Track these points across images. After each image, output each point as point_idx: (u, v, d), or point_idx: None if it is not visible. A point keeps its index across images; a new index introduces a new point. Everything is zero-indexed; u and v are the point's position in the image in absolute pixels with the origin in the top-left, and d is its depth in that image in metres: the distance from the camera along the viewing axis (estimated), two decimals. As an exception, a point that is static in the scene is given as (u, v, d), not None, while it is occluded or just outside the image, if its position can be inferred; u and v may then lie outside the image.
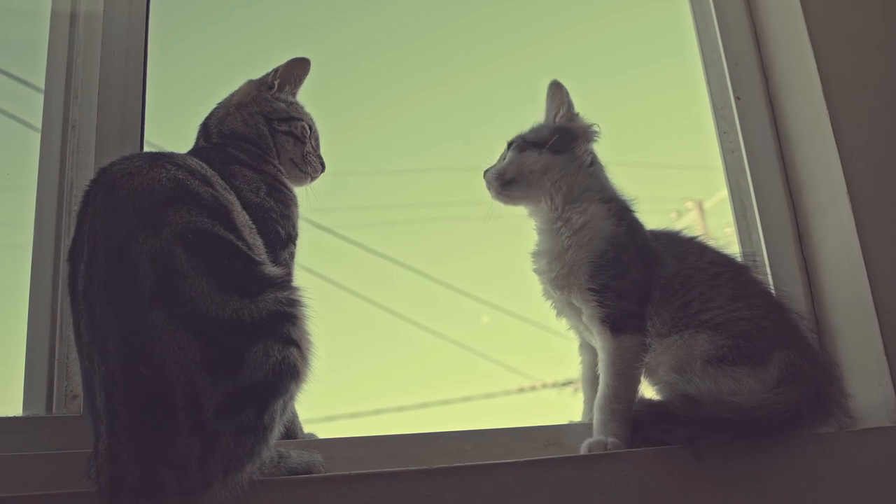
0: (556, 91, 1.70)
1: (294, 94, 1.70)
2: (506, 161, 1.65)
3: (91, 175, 1.51)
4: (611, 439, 1.43)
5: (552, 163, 1.60)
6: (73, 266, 1.26)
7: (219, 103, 1.66)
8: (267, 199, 1.48)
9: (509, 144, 1.69)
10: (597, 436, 1.46)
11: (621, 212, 1.62)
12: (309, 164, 1.66)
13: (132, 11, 1.69)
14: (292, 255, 1.51)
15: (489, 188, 1.66)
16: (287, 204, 1.54)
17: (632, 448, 1.43)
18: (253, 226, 1.37)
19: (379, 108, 2.31)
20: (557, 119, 1.68)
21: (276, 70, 1.68)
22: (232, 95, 1.66)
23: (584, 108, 1.71)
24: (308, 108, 1.72)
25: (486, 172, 1.67)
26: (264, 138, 1.61)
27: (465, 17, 2.53)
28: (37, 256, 1.55)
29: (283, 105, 1.66)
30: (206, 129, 1.62)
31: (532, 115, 1.76)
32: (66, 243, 1.50)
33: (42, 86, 1.64)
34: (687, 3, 2.20)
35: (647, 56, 2.44)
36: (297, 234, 1.54)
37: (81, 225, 1.28)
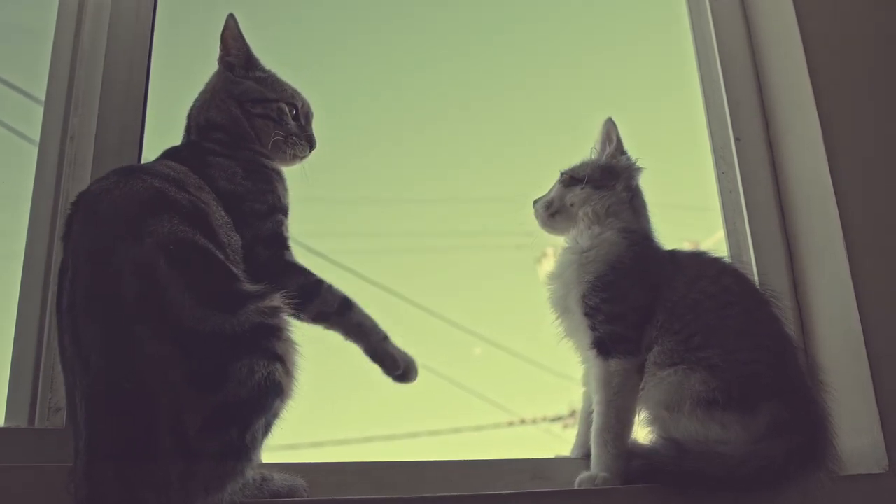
0: (608, 128, 1.76)
1: (260, 67, 1.62)
2: (552, 194, 1.71)
3: (88, 187, 1.51)
4: (602, 474, 1.41)
5: (591, 196, 1.66)
6: (60, 284, 1.26)
7: (201, 90, 1.62)
8: (242, 184, 1.44)
9: (561, 175, 1.74)
10: (591, 470, 1.45)
11: (635, 238, 1.63)
12: (292, 147, 1.59)
13: (138, 20, 1.69)
14: (281, 224, 1.46)
15: (536, 217, 1.74)
16: (268, 180, 1.50)
17: (627, 481, 1.42)
18: (230, 220, 1.36)
19: (373, 136, 2.31)
20: (605, 157, 1.73)
21: (224, 44, 1.59)
22: (210, 79, 1.62)
23: (579, 141, 1.76)
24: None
25: (535, 202, 1.74)
26: (238, 122, 1.55)
27: (467, 53, 2.55)
28: (27, 266, 1.54)
29: (252, 84, 1.58)
30: (188, 122, 1.60)
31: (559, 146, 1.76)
32: (59, 253, 1.49)
33: (42, 97, 1.63)
34: (691, 44, 2.22)
35: (648, 95, 2.45)
36: (284, 206, 1.50)
37: (66, 246, 1.28)
